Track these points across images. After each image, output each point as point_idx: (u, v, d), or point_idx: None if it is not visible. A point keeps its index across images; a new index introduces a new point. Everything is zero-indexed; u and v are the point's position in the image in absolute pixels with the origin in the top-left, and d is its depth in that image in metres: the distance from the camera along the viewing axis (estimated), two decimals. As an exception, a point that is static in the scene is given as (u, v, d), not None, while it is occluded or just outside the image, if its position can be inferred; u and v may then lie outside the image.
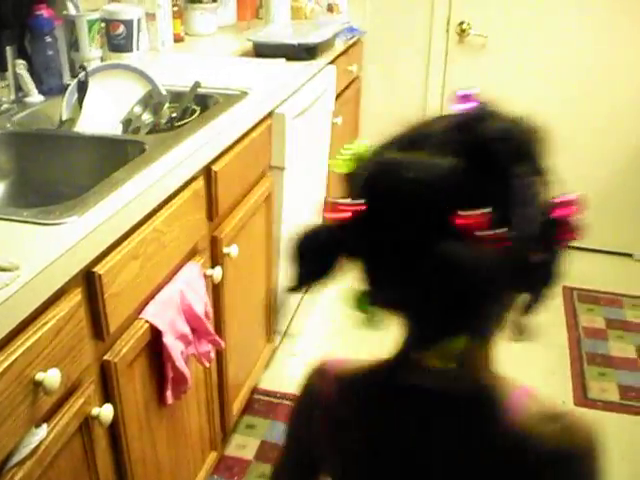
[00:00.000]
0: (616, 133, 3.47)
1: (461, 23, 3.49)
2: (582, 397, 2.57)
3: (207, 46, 2.90)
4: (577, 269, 3.55)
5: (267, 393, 2.56)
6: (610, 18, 3.21)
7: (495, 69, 3.52)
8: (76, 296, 1.22)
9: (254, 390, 2.48)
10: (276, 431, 2.38)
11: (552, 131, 0.80)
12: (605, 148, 3.51)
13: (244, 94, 2.06)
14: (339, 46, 2.99)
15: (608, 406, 2.56)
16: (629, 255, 3.74)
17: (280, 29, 2.95)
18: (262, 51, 2.62)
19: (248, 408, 2.44)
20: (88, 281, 1.27)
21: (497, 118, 0.79)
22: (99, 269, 1.28)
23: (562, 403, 0.68)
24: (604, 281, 3.38)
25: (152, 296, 1.50)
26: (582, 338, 2.95)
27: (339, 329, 3.00)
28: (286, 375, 2.69)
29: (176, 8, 2.88)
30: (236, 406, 2.22)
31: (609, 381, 2.70)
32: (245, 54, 2.67)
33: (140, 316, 1.46)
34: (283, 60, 2.49)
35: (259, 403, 2.51)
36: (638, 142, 3.49)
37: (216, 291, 1.88)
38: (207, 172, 1.74)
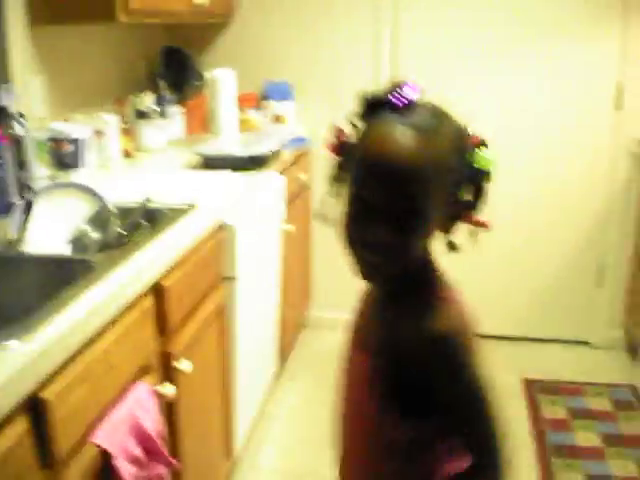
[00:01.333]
0: (566, 220, 3.58)
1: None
2: (550, 494, 2.53)
3: (156, 161, 2.93)
4: (536, 361, 3.56)
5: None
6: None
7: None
8: (21, 425, 1.18)
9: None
10: None
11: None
12: (555, 233, 3.61)
13: (192, 207, 2.08)
14: (287, 156, 3.06)
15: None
16: (586, 343, 3.77)
17: (228, 141, 3.00)
18: (211, 164, 2.66)
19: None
20: (34, 408, 1.23)
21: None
22: (46, 395, 1.24)
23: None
24: (564, 371, 3.39)
25: (101, 418, 1.45)
26: (546, 430, 2.93)
27: (302, 437, 2.94)
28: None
29: (125, 125, 2.92)
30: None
31: (576, 472, 2.68)
32: (194, 167, 2.70)
33: (90, 440, 1.41)
34: (230, 171, 2.53)
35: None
36: (585, 232, 3.60)
37: (170, 409, 1.83)
38: (156, 288, 1.73)
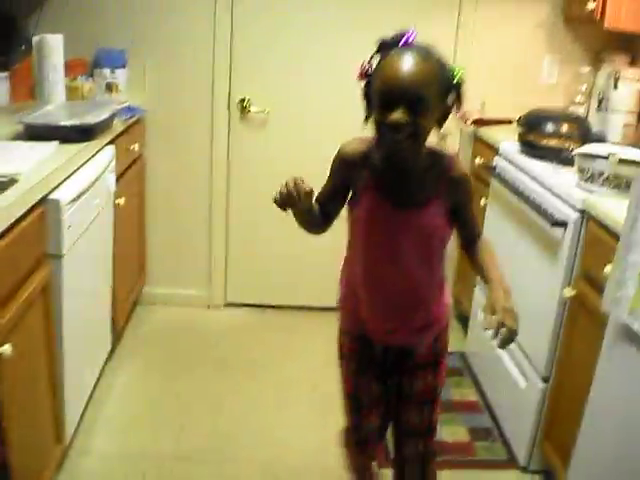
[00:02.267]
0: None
1: (242, 100, 3.56)
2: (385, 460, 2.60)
3: (-24, 130, 2.73)
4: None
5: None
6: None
7: (276, 141, 3.62)
8: None
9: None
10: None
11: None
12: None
13: (13, 181, 1.94)
14: (118, 126, 2.94)
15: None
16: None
17: (55, 110, 2.84)
18: (35, 133, 2.49)
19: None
20: None
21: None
22: None
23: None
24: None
25: None
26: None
27: (133, 420, 2.87)
28: (82, 476, 2.51)
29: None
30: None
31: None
32: (17, 137, 2.53)
33: None
34: (56, 143, 2.39)
35: (50, 510, 2.31)
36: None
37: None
38: (-30, 268, 1.60)
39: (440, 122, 1.68)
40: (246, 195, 3.72)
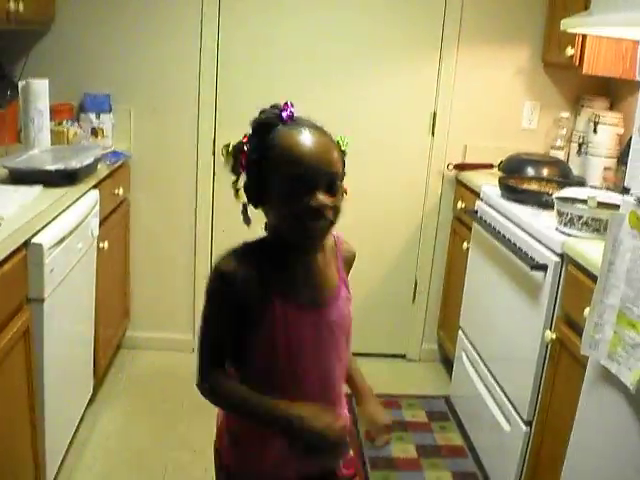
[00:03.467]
0: (384, 239, 3.71)
1: (227, 145, 3.59)
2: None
3: (-41, 174, 2.74)
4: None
5: None
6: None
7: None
8: None
9: None
10: None
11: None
12: (375, 253, 3.74)
13: (-5, 224, 1.95)
14: (103, 170, 2.96)
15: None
16: (402, 356, 3.92)
17: (40, 154, 2.86)
18: (19, 177, 2.51)
19: None
20: None
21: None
22: None
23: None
24: (380, 384, 3.46)
25: None
26: (363, 442, 2.98)
27: (115, 466, 2.83)
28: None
29: None
30: None
31: (393, 484, 2.76)
32: (1, 181, 2.54)
33: None
34: (40, 187, 2.40)
35: None
36: (402, 251, 3.75)
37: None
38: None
39: None
40: (230, 240, 3.72)
